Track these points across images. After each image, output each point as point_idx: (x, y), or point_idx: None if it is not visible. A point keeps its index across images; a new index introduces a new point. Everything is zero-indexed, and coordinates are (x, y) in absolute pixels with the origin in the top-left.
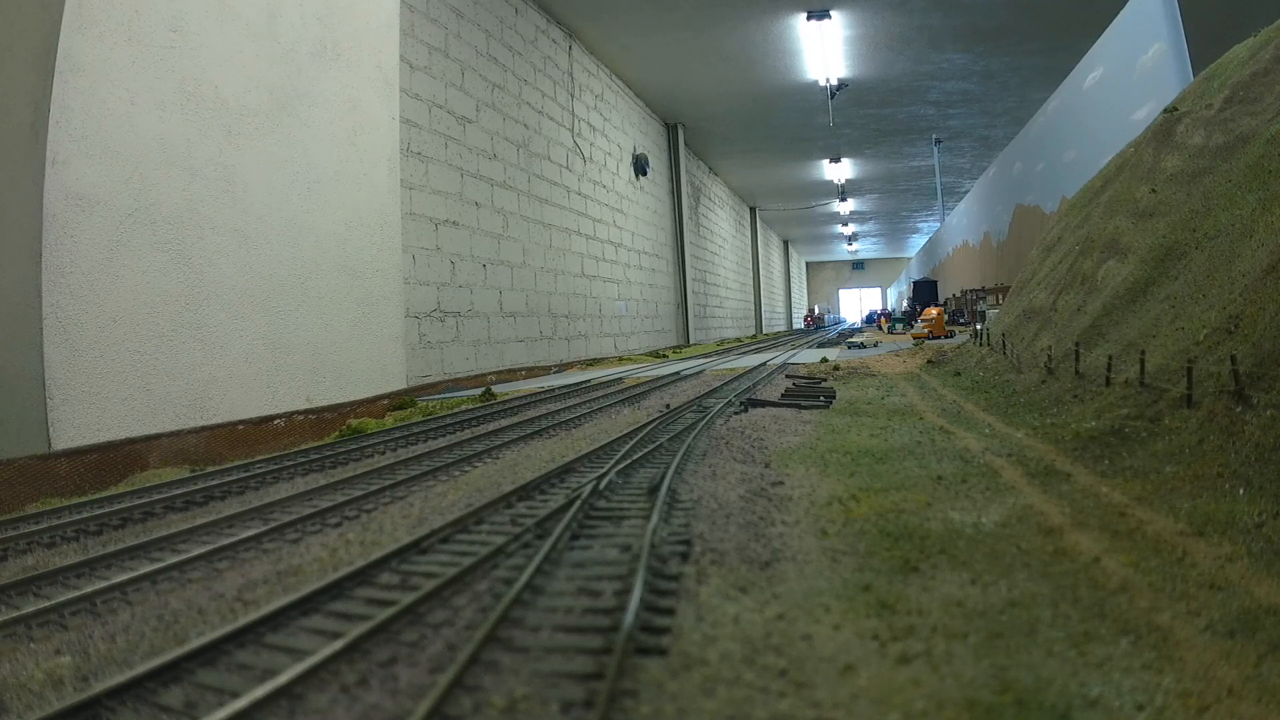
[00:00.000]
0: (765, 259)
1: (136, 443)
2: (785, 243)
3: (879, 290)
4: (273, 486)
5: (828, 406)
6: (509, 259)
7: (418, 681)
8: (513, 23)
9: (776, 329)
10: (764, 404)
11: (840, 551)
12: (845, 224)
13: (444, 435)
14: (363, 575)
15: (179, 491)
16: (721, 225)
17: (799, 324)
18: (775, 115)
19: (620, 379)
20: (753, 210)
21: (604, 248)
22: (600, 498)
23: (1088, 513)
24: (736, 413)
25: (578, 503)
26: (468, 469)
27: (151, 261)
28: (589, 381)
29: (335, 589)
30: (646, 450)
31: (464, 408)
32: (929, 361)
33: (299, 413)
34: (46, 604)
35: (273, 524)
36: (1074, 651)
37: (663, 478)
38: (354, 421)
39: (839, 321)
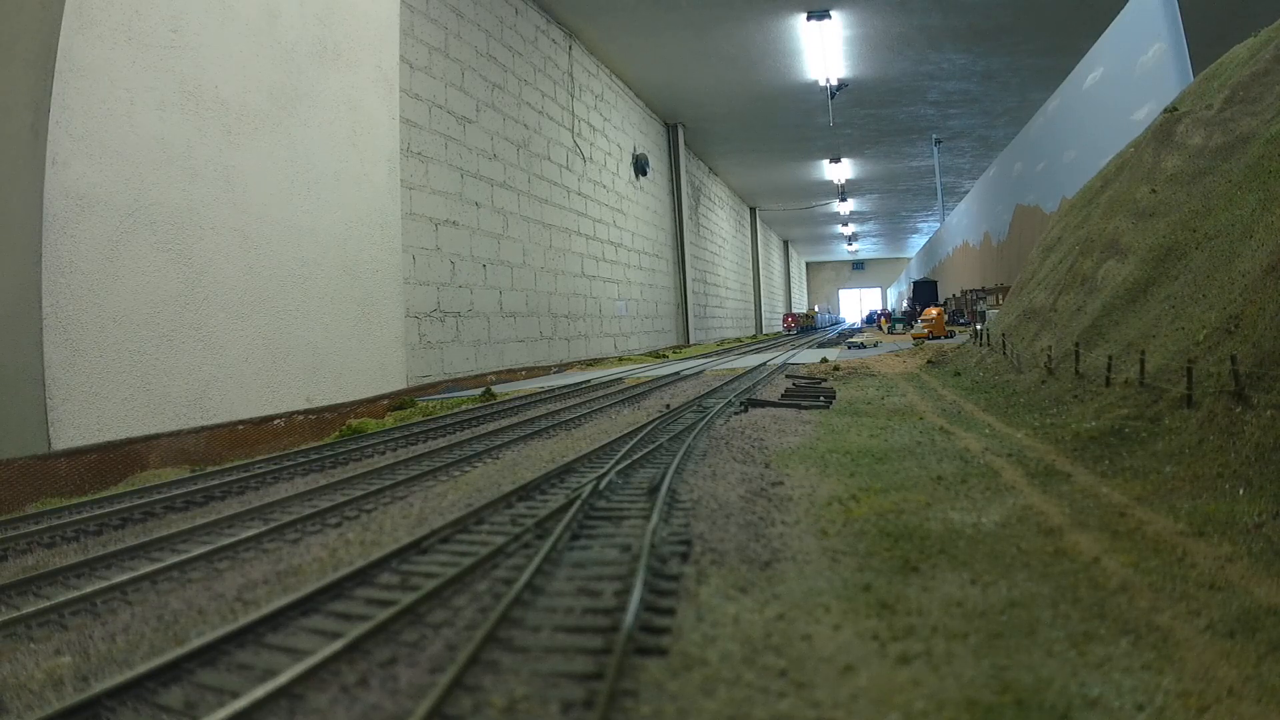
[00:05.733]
0: (765, 259)
1: (136, 443)
2: (785, 243)
3: (879, 290)
4: (273, 486)
5: (828, 407)
6: (509, 259)
7: (418, 681)
8: (513, 23)
9: (776, 329)
10: (764, 404)
11: (840, 552)
12: (845, 224)
13: (444, 435)
14: (363, 575)
15: (179, 491)
16: (721, 225)
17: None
18: (775, 115)
19: (620, 379)
20: (753, 210)
21: (604, 248)
22: (600, 498)
23: (1088, 513)
24: (736, 413)
25: (578, 503)
26: (468, 469)
27: (151, 261)
28: (589, 381)
29: (335, 589)
30: (646, 450)
31: (464, 408)
32: (929, 362)
33: (299, 413)
34: (46, 604)
35: (273, 524)
36: (1074, 651)
37: (663, 478)
38: (354, 422)
39: (838, 322)
